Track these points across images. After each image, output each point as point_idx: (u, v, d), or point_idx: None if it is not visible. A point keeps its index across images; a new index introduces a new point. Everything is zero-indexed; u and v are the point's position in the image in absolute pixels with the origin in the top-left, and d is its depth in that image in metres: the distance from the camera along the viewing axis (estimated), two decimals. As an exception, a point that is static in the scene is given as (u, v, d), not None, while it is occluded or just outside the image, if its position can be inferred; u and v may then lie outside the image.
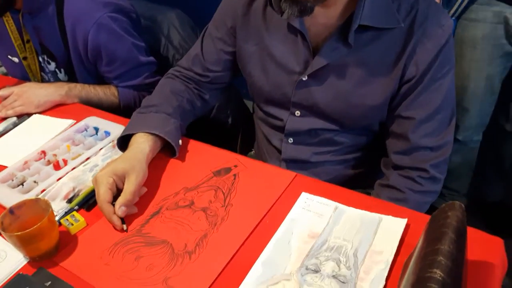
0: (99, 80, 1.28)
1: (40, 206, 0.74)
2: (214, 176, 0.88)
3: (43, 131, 1.07)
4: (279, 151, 1.03)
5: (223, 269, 0.69)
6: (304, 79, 0.91)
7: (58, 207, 0.83)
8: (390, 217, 0.74)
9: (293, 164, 1.02)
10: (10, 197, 0.84)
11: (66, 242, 0.76)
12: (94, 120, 1.06)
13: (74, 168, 0.92)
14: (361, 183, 1.05)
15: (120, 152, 0.92)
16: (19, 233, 0.68)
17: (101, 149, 0.97)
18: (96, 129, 1.03)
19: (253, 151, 1.22)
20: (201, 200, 0.83)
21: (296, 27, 0.88)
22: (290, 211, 0.78)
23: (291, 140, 1.00)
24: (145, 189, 0.85)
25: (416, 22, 0.83)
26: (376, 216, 0.75)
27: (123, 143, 0.92)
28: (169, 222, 0.78)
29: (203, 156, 0.94)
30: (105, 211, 0.77)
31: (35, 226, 0.69)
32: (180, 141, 0.94)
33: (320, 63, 0.88)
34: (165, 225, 0.78)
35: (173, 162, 0.93)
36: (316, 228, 0.75)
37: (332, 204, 0.79)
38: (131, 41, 1.22)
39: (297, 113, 0.96)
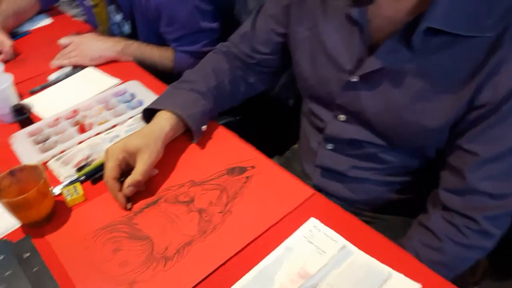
0: (161, 39, 1.23)
1: (38, 174, 0.72)
2: (226, 174, 0.79)
3: (90, 86, 1.07)
4: (316, 156, 0.90)
5: (191, 288, 0.62)
6: (353, 80, 0.76)
7: (67, 173, 0.82)
8: (401, 276, 0.60)
9: (328, 173, 0.89)
10: (29, 154, 0.85)
11: (61, 213, 0.75)
12: (134, 85, 1.03)
13: (98, 134, 0.90)
14: (406, 211, 0.89)
15: (145, 126, 0.87)
16: (5, 200, 0.68)
17: (130, 118, 0.93)
18: (133, 96, 1.00)
19: (297, 145, 1.10)
20: (202, 199, 0.75)
21: (354, 17, 0.73)
22: (289, 237, 0.67)
23: (330, 146, 0.86)
24: (156, 171, 0.80)
25: (507, 32, 0.62)
26: (385, 270, 0.61)
27: (151, 115, 0.86)
28: (161, 217, 0.73)
29: (223, 148, 0.85)
30: (110, 187, 0.74)
31: (21, 196, 0.68)
32: (204, 127, 0.86)
33: (374, 64, 0.72)
34: (156, 219, 0.72)
35: (190, 148, 0.86)
36: (310, 267, 0.63)
37: (340, 241, 0.66)
38: (195, 4, 1.14)
39: (341, 117, 0.82)
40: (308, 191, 0.74)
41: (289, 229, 0.69)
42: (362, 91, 0.77)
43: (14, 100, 0.97)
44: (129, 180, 0.74)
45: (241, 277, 0.63)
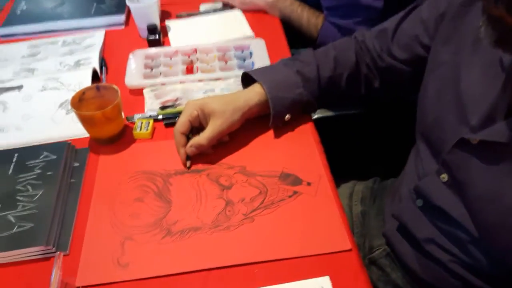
0: (319, 2, 1.12)
1: (117, 97, 0.75)
2: (278, 177, 0.71)
3: (227, 29, 1.05)
4: (400, 203, 0.74)
5: (159, 276, 0.59)
6: (472, 140, 0.57)
7: (151, 107, 0.84)
8: None
9: (404, 230, 0.72)
10: (133, 74, 0.89)
11: (125, 140, 0.78)
12: (259, 45, 0.96)
13: (199, 81, 0.89)
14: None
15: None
16: (75, 110, 0.73)
17: (235, 77, 0.89)
18: (250, 56, 0.94)
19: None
20: (239, 190, 0.69)
21: (504, 62, 0.52)
22: (286, 283, 0.57)
23: (419, 202, 0.69)
24: (227, 138, 0.76)
25: None
26: None
27: (250, 82, 0.81)
28: (194, 189, 0.70)
29: (295, 147, 0.76)
30: (176, 140, 0.74)
31: (87, 113, 0.73)
32: (288, 116, 0.77)
33: (502, 135, 0.53)
34: (188, 189, 0.70)
35: (262, 133, 0.78)
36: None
37: (337, 320, 0.53)
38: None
39: (443, 177, 0.63)
40: (346, 244, 0.61)
41: (294, 274, 0.58)
42: (475, 160, 0.57)
43: (154, 19, 1.01)
44: (192, 141, 0.73)
45: (215, 293, 0.57)
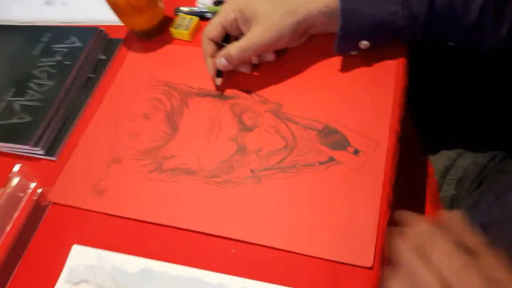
0: None
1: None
2: (318, 131, 0.50)
3: None
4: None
5: (129, 218, 0.48)
6: None
7: (206, 0, 0.66)
8: None
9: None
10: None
11: (163, 39, 0.64)
12: None
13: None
14: None
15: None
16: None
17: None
18: None
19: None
20: (259, 137, 0.51)
21: None
22: (256, 282, 0.41)
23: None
24: (272, 57, 0.57)
25: None
26: None
27: None
28: (209, 120, 0.54)
29: (361, 94, 0.52)
30: (203, 47, 0.57)
31: (111, -1, 0.59)
32: (366, 43, 0.52)
33: None
34: (203, 118, 0.55)
35: (325, 62, 0.56)
36: None
37: None
38: None
39: None
40: (367, 258, 0.41)
41: (275, 273, 0.42)
42: None
43: None
44: (223, 51, 0.54)
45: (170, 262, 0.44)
